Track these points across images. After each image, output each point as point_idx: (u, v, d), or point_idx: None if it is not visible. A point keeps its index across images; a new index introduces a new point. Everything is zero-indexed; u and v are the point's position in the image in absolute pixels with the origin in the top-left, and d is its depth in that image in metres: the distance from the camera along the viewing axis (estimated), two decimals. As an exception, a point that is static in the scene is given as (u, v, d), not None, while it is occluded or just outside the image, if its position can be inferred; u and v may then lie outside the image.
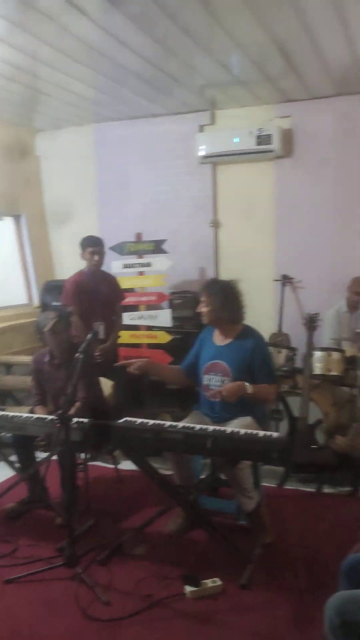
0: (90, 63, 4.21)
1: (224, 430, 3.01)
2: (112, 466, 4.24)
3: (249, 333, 3.50)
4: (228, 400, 3.20)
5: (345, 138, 5.09)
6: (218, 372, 3.41)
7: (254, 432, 2.99)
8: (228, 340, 3.47)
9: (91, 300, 4.74)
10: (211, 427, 3.07)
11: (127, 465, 4.27)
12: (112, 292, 4.89)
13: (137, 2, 3.22)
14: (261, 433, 2.96)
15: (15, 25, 3.48)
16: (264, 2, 3.29)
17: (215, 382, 3.42)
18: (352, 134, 5.06)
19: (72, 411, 3.54)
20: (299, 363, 4.81)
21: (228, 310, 3.42)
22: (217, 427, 3.08)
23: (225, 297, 3.42)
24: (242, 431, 2.99)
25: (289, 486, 4.03)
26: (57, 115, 5.63)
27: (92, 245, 4.74)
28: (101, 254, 4.79)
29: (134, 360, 3.53)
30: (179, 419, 4.70)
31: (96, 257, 4.74)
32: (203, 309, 3.47)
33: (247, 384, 3.22)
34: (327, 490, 3.96)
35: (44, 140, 6.25)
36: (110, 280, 4.95)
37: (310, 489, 3.98)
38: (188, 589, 2.76)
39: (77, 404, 3.68)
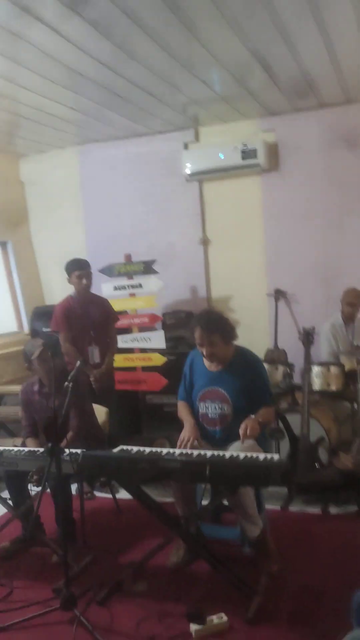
0: (71, 85, 4.15)
1: (223, 456, 2.88)
2: (109, 496, 4.08)
3: (244, 356, 3.37)
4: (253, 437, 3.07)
5: (331, 149, 5.03)
6: (215, 400, 3.29)
7: (254, 455, 2.87)
8: (221, 366, 3.34)
9: (82, 324, 4.61)
10: (210, 452, 2.95)
11: (125, 494, 4.15)
12: (104, 315, 4.76)
13: (116, 23, 3.17)
14: (262, 456, 2.84)
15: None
16: (243, 17, 3.24)
17: (213, 409, 3.30)
18: (338, 145, 5.00)
19: (64, 442, 3.42)
20: (296, 379, 4.71)
21: (228, 341, 3.30)
22: (216, 452, 2.96)
23: (224, 330, 3.27)
24: (242, 455, 2.87)
25: (293, 508, 3.89)
26: (39, 139, 5.56)
27: (79, 269, 4.57)
28: (89, 276, 4.62)
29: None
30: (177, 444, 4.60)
31: (84, 281, 4.58)
32: (209, 349, 3.25)
33: (253, 416, 3.13)
34: (333, 510, 3.81)
35: (28, 165, 6.18)
36: (101, 303, 4.82)
37: (315, 510, 3.84)
38: (193, 627, 2.61)
39: (70, 434, 3.55)
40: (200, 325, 3.25)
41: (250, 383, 3.25)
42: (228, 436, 3.22)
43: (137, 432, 5.13)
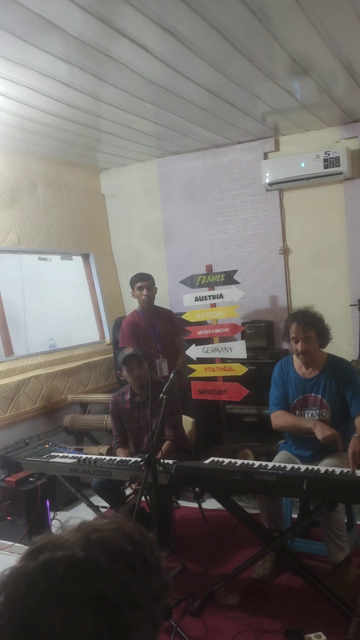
0: (152, 98, 4.21)
1: (318, 470, 2.84)
2: (194, 505, 4.10)
3: (337, 361, 3.35)
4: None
5: None
6: (312, 406, 3.27)
7: (350, 470, 2.81)
8: (316, 372, 3.31)
9: (149, 338, 4.66)
10: (303, 467, 2.91)
11: (211, 504, 4.15)
12: (169, 327, 4.80)
13: (199, 33, 3.19)
14: (359, 472, 2.78)
15: (75, 66, 3.50)
16: (329, 21, 3.18)
17: (310, 417, 3.28)
18: None
19: (159, 453, 3.47)
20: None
21: (323, 341, 3.29)
22: (310, 467, 2.92)
23: (321, 328, 3.26)
24: (337, 470, 2.81)
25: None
26: (120, 153, 5.69)
27: (140, 281, 4.68)
28: (150, 288, 4.70)
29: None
30: (260, 454, 4.57)
31: (145, 293, 4.66)
32: (304, 345, 3.20)
33: (357, 434, 3.05)
34: None
35: (108, 178, 6.35)
36: (166, 314, 4.86)
37: None
38: (291, 644, 2.58)
39: (167, 443, 3.60)
40: (297, 320, 3.22)
41: (347, 389, 3.20)
42: (325, 446, 3.17)
43: (219, 442, 5.13)
